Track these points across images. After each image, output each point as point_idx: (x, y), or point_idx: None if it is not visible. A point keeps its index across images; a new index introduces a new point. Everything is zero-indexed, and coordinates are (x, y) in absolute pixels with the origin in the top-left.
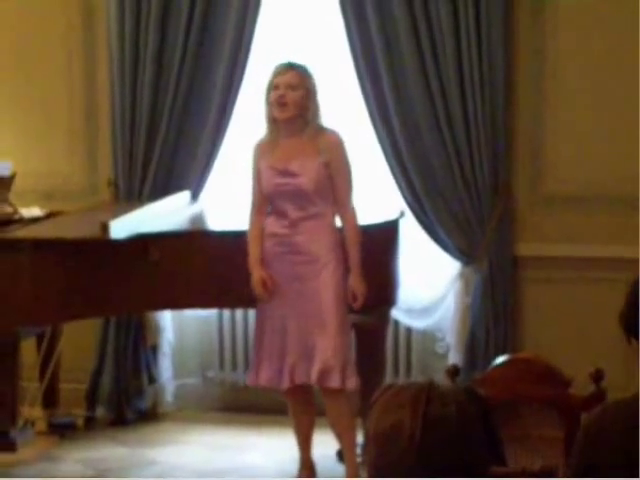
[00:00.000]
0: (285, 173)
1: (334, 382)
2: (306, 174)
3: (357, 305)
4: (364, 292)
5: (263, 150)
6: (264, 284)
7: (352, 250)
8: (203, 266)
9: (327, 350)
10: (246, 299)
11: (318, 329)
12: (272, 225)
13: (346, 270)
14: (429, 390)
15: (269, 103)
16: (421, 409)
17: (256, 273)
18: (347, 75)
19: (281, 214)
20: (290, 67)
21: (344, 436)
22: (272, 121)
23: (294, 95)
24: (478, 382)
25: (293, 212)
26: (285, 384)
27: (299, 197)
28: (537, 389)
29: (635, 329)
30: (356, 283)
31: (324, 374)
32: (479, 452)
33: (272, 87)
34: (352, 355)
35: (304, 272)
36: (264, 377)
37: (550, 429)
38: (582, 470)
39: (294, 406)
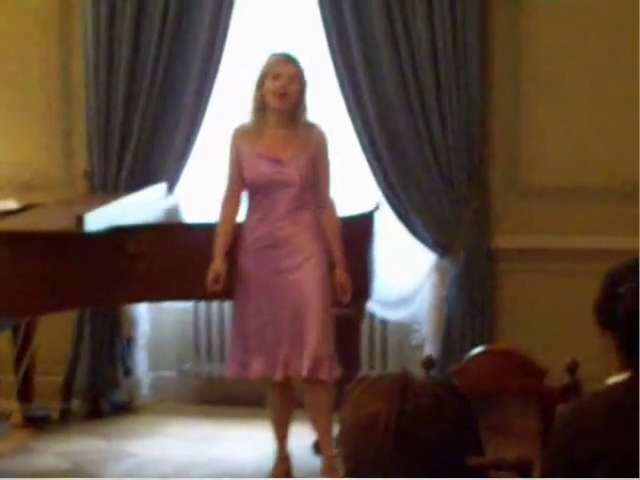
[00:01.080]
0: (274, 162)
1: (323, 374)
2: (295, 165)
3: (346, 298)
4: (350, 287)
5: (245, 138)
6: (217, 278)
7: (335, 244)
8: (179, 258)
9: (315, 343)
10: (223, 292)
11: (304, 322)
12: (257, 219)
13: (328, 263)
14: (404, 381)
15: (262, 90)
16: (396, 400)
17: (215, 266)
18: (324, 68)
19: (268, 207)
20: (290, 59)
21: (323, 428)
22: (260, 110)
23: (294, 87)
24: (454, 373)
25: (280, 204)
26: (279, 376)
27: (287, 188)
28: (513, 380)
29: (609, 321)
30: (343, 277)
31: (314, 367)
32: (456, 442)
33: (269, 75)
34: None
35: (288, 265)
36: (255, 370)
37: (527, 420)
38: (557, 462)
39: (276, 398)
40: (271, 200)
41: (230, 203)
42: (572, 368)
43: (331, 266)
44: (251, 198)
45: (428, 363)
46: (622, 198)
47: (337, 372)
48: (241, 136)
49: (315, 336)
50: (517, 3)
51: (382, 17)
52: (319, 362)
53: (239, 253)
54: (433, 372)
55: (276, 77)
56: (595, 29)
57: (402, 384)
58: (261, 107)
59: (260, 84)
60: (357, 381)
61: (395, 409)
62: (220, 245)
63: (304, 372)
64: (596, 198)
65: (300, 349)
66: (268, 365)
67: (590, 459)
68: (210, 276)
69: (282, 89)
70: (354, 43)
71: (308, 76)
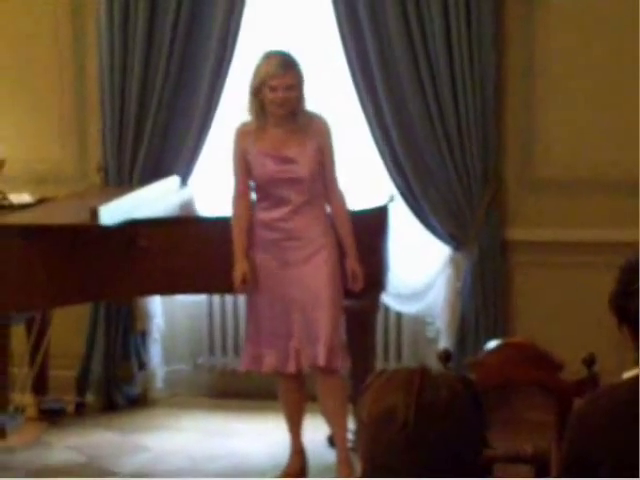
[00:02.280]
0: (282, 160)
1: (338, 363)
2: (303, 161)
3: (358, 286)
4: (361, 275)
5: (251, 136)
6: (244, 279)
7: (345, 233)
8: (193, 252)
9: (328, 333)
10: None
11: (317, 313)
12: (267, 213)
13: (339, 254)
14: (422, 375)
15: (260, 96)
16: (414, 394)
17: (239, 266)
18: (337, 62)
19: (279, 202)
20: (286, 68)
21: (337, 420)
22: (261, 111)
23: (293, 94)
24: (470, 367)
25: (290, 200)
26: (292, 368)
27: (297, 184)
28: (529, 373)
29: (625, 314)
30: (354, 266)
31: (330, 356)
32: (472, 436)
33: (265, 85)
34: (344, 338)
35: (299, 257)
36: (268, 363)
37: (542, 413)
38: (574, 455)
39: (287, 391)
40: (280, 196)
41: (240, 203)
42: (589, 362)
43: (343, 256)
44: (260, 194)
45: (445, 357)
46: (635, 191)
47: (347, 363)
48: (244, 135)
49: (328, 327)
50: (530, 3)
51: (397, 16)
52: (334, 351)
53: (249, 247)
54: (450, 365)
55: (273, 89)
56: (606, 29)
57: (419, 378)
58: (261, 109)
59: (257, 90)
60: (375, 375)
61: (412, 402)
62: (239, 245)
63: (321, 362)
64: (609, 191)
65: (311, 341)
66: (280, 358)
67: (605, 453)
68: (237, 279)
69: (280, 100)
70: (369, 42)
71: (305, 71)
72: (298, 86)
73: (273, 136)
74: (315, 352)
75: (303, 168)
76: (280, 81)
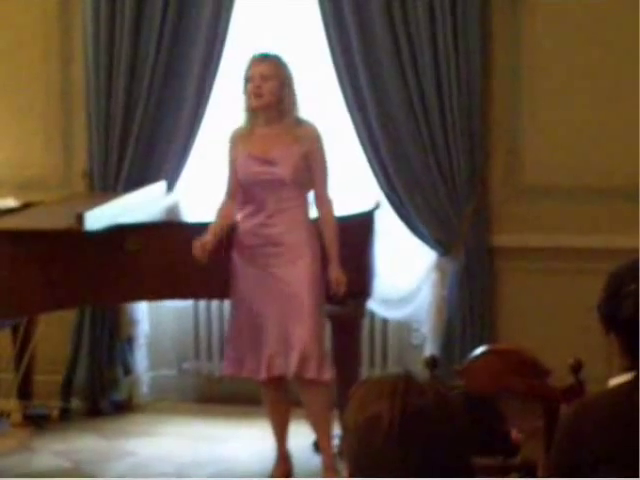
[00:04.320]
0: (264, 161)
1: (311, 373)
2: (285, 163)
3: (340, 293)
4: (345, 280)
5: (239, 139)
6: (204, 248)
7: (331, 241)
8: (179, 257)
9: (304, 341)
10: (222, 290)
11: (294, 320)
12: (247, 217)
13: (321, 262)
14: (406, 381)
15: (246, 93)
16: (399, 399)
17: (209, 236)
18: (324, 68)
19: (257, 205)
20: (264, 58)
21: (320, 427)
22: (249, 111)
23: (269, 85)
24: (457, 373)
25: (271, 203)
26: (262, 375)
27: (277, 187)
28: (516, 380)
29: (613, 321)
30: (337, 272)
31: (302, 365)
32: (460, 441)
33: (247, 78)
34: (326, 346)
35: (277, 263)
36: (248, 368)
37: (530, 420)
38: (562, 462)
39: (271, 397)
40: (262, 199)
41: (226, 203)
42: (576, 368)
43: (326, 264)
44: (243, 197)
45: (431, 363)
46: (621, 197)
47: (328, 374)
48: (235, 138)
49: (305, 334)
50: (517, 3)
51: (382, 16)
52: (307, 360)
53: (232, 251)
54: (436, 372)
55: (250, 79)
56: (595, 27)
57: (404, 384)
58: (249, 109)
59: (244, 87)
60: (359, 383)
61: (398, 408)
62: (217, 221)
63: (292, 368)
64: (595, 197)
65: (286, 348)
66: (256, 364)
67: (593, 461)
68: (201, 242)
69: (255, 89)
70: (354, 43)
71: (292, 70)
72: (276, 79)
73: (260, 138)
74: (288, 360)
75: (284, 170)
76: (256, 69)
